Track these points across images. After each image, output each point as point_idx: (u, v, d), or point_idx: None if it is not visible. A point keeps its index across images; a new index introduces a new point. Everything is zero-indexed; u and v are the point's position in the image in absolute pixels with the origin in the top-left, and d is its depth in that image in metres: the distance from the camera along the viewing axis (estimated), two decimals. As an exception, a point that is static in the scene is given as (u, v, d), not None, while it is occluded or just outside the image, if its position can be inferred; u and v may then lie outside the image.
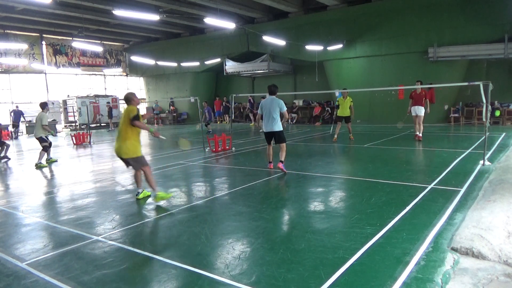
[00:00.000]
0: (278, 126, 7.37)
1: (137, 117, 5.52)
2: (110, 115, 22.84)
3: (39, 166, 9.52)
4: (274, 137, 7.46)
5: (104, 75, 28.26)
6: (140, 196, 5.88)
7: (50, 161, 10.13)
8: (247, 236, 4.15)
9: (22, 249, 4.02)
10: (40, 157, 9.76)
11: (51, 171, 9.16)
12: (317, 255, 3.52)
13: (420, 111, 11.19)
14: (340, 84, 18.30)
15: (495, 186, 5.45)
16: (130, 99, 5.76)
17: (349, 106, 11.82)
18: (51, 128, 10.79)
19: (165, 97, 27.06)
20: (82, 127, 22.72)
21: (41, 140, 9.91)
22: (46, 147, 9.95)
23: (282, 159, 7.33)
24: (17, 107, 20.70)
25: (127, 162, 5.77)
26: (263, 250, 3.71)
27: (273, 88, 7.61)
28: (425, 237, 3.83)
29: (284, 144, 7.44)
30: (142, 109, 29.58)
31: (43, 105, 10.37)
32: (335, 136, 12.01)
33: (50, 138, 10.38)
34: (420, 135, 11.33)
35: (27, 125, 21.13)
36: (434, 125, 16.29)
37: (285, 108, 7.41)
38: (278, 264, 3.37)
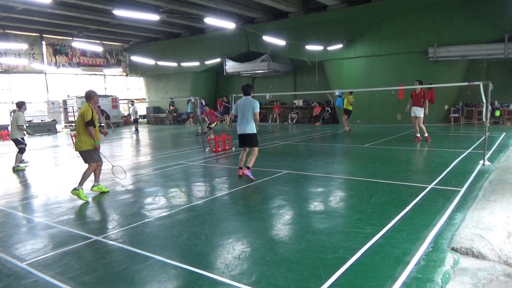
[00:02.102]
0: (251, 129, 6.98)
1: (91, 122, 5.95)
2: (107, 115, 22.63)
3: (16, 170, 9.19)
4: (245, 140, 7.12)
5: (104, 75, 28.27)
6: (95, 188, 6.37)
7: (21, 167, 9.38)
8: (247, 236, 4.15)
9: (22, 249, 4.02)
10: (17, 160, 9.37)
11: (51, 171, 9.15)
12: (317, 255, 3.52)
13: (419, 112, 11.00)
14: (340, 84, 18.35)
15: (495, 186, 5.45)
16: (91, 97, 6.13)
17: (348, 102, 14.20)
18: (27, 127, 10.00)
19: (165, 97, 27.06)
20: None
21: (17, 142, 9.44)
22: (23, 149, 9.51)
23: (250, 165, 7.00)
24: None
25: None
26: (263, 250, 3.71)
27: (247, 88, 7.21)
28: (425, 237, 3.83)
29: (255, 149, 7.10)
30: (142, 109, 29.60)
31: (20, 104, 9.69)
32: (347, 127, 14.39)
33: (26, 139, 9.86)
34: (426, 135, 11.06)
35: (27, 125, 21.03)
36: (434, 125, 16.30)
37: (257, 109, 6.95)
38: (278, 264, 3.37)
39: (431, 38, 16.12)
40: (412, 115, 11.21)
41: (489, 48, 15.04)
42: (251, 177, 6.86)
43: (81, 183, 6.05)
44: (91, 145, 6.04)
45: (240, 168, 7.19)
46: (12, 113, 20.08)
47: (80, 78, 26.78)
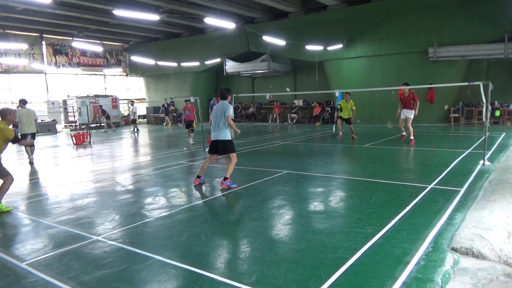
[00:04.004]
0: (224, 135, 6.43)
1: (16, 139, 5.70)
2: (107, 115, 22.65)
3: (32, 163, 10.02)
4: (219, 147, 6.53)
5: (104, 75, 28.27)
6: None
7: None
8: (247, 236, 4.15)
9: (22, 249, 4.02)
10: (32, 152, 10.19)
11: (51, 171, 9.15)
12: (317, 255, 3.52)
13: (410, 113, 10.94)
14: (340, 84, 18.33)
15: (495, 186, 5.45)
16: (5, 114, 5.62)
17: (351, 109, 12.30)
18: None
19: (165, 97, 27.05)
20: (82, 127, 22.71)
21: (35, 136, 10.14)
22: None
23: (227, 175, 6.43)
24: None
25: None
26: (263, 250, 3.71)
27: (223, 92, 6.61)
28: (425, 237, 3.83)
29: (233, 155, 6.49)
30: (142, 109, 29.59)
31: (25, 101, 10.58)
32: (340, 133, 12.32)
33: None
34: (412, 137, 11.03)
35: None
36: (434, 125, 16.30)
37: (229, 112, 6.32)
38: (278, 264, 3.37)
39: (431, 38, 16.13)
40: (402, 117, 11.09)
41: (489, 48, 15.05)
42: (233, 186, 6.38)
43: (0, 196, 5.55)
44: None
45: (198, 177, 6.77)
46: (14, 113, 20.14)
47: (80, 78, 26.78)
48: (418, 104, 11.02)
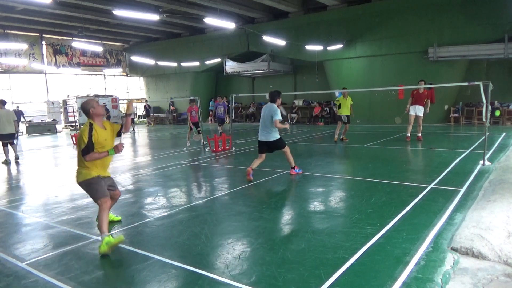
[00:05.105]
0: (273, 136, 6.75)
1: (87, 149, 4.00)
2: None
3: (6, 162, 10.21)
4: (269, 147, 6.87)
5: (104, 75, 28.26)
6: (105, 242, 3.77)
7: (6, 162, 10.31)
8: (247, 236, 4.15)
9: (22, 249, 4.02)
10: (15, 150, 10.40)
11: (51, 171, 9.15)
12: (317, 255, 3.52)
13: (421, 111, 11.18)
14: (340, 84, 18.31)
15: (495, 186, 5.45)
16: (87, 110, 4.14)
17: (349, 105, 11.57)
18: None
19: (165, 97, 27.08)
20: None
21: (14, 136, 10.33)
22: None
23: (293, 165, 7.14)
24: (17, 107, 20.70)
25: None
26: (263, 250, 3.71)
27: (271, 95, 6.78)
28: (425, 237, 3.83)
29: (284, 149, 6.97)
30: (141, 109, 29.57)
31: (5, 102, 10.55)
32: (336, 136, 11.71)
33: None
34: (420, 135, 11.39)
35: (27, 125, 21.15)
36: (434, 125, 16.30)
37: (277, 117, 6.52)
38: (278, 264, 3.37)
39: (431, 38, 16.13)
40: (412, 113, 11.27)
41: (489, 48, 15.06)
42: (300, 172, 7.19)
43: (101, 230, 3.85)
44: (89, 174, 4.13)
45: (252, 169, 6.86)
46: (14, 113, 20.15)
47: (80, 78, 26.78)
48: (429, 102, 11.16)
